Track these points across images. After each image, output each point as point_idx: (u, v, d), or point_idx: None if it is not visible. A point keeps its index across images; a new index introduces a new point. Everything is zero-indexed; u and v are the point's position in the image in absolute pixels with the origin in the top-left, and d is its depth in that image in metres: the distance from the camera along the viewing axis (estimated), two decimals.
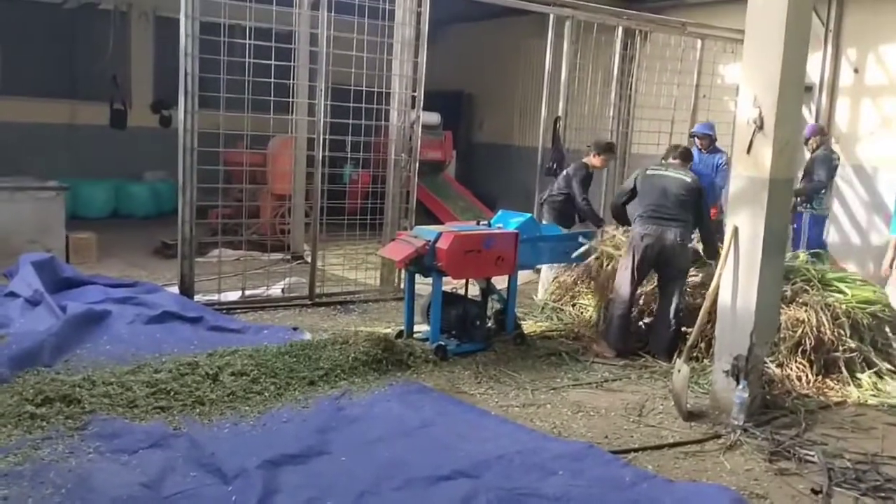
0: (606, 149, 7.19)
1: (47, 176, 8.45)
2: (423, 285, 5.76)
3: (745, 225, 4.66)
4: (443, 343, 5.38)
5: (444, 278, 5.47)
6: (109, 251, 8.45)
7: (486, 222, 5.90)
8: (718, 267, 4.80)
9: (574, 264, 6.57)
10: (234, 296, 6.66)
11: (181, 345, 5.25)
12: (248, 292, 6.76)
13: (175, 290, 6.48)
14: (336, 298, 7.04)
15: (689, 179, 5.63)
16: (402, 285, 7.26)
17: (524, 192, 9.80)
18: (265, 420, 4.11)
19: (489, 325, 5.81)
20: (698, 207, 5.68)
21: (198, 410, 4.15)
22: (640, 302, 6.08)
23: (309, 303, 6.83)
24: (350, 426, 4.09)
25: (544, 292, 7.03)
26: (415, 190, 7.55)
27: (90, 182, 10.80)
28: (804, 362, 5.20)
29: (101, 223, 10.04)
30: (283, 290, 6.98)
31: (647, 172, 5.78)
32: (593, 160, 7.12)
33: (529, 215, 5.99)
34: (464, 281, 5.99)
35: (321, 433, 3.94)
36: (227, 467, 3.45)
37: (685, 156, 5.93)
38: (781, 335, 5.25)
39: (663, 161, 5.95)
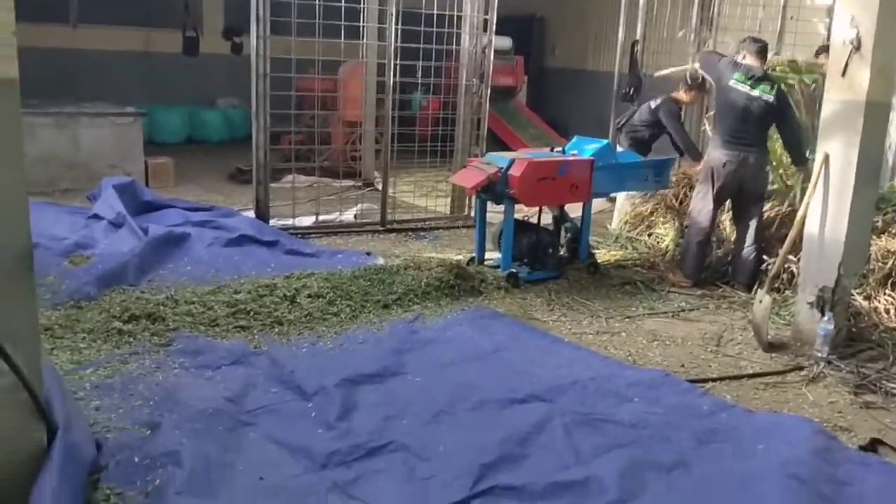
0: (698, 85, 6.79)
1: (124, 102, 8.63)
2: (495, 213, 5.71)
3: (836, 151, 4.42)
4: (514, 270, 5.34)
5: (517, 206, 5.40)
6: (186, 176, 8.63)
7: (560, 149, 5.76)
8: (807, 195, 4.59)
9: (651, 193, 6.39)
10: (308, 221, 6.75)
11: (259, 267, 5.36)
12: (321, 218, 6.83)
13: (251, 214, 6.58)
14: (407, 225, 7.05)
15: (772, 99, 5.27)
16: (472, 213, 7.24)
17: (597, 118, 9.57)
18: (342, 341, 4.18)
19: (562, 253, 5.74)
20: (784, 120, 5.44)
21: (276, 330, 4.25)
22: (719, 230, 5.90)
23: (381, 229, 6.86)
24: (424, 349, 4.13)
25: (619, 221, 6.89)
26: (486, 116, 7.43)
27: (165, 108, 11.00)
28: (894, 295, 4.98)
29: (177, 149, 10.23)
30: (355, 217, 7.02)
31: (730, 84, 5.39)
32: (682, 95, 6.78)
33: (606, 141, 5.81)
34: (536, 208, 5.91)
35: (396, 355, 3.99)
36: (306, 384, 3.54)
37: (763, 52, 5.48)
38: (871, 266, 5.03)
39: (737, 57, 5.54)
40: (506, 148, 9.76)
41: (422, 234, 6.90)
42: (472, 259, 5.65)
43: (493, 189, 5.22)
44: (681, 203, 6.22)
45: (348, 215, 7.05)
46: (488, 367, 3.95)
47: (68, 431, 2.48)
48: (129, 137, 8.13)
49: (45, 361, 3.06)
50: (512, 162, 5.18)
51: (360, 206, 7.19)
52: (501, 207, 5.42)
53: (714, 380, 4.03)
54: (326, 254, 5.86)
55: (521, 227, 5.54)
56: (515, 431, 3.22)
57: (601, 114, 8.74)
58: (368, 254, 5.90)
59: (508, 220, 5.32)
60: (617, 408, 3.55)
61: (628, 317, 4.93)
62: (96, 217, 6.14)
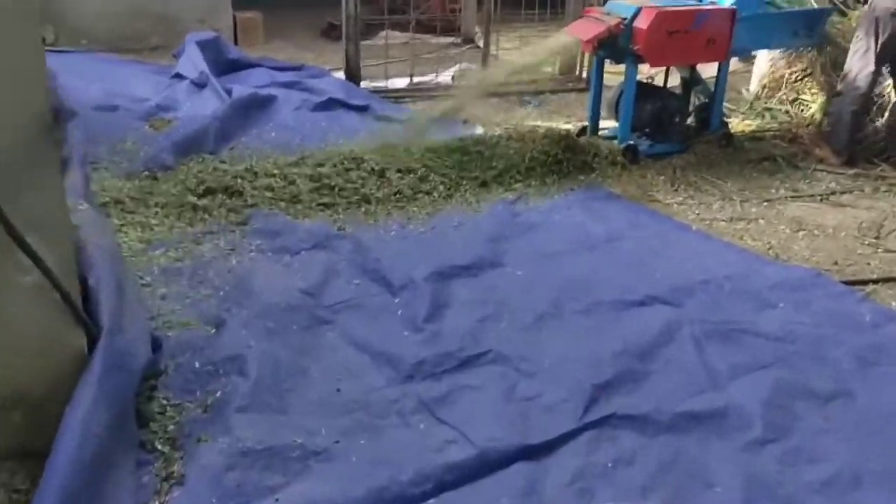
0: None
1: None
2: (611, 76, 4.97)
3: None
4: (633, 143, 4.65)
5: (640, 66, 4.63)
6: (277, 32, 8.11)
7: None
8: None
9: (799, 51, 5.44)
10: (401, 83, 6.16)
11: (347, 134, 4.89)
12: (416, 79, 6.21)
13: (341, 75, 6.06)
14: (509, 88, 6.35)
15: None
16: (585, 74, 6.47)
17: None
18: (434, 223, 3.72)
19: (689, 122, 4.97)
20: None
21: (363, 209, 3.81)
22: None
23: None
24: (526, 235, 3.61)
25: (757, 85, 5.97)
26: None
27: None
28: None
29: (269, 1, 9.66)
30: (453, 78, 6.37)
31: None
32: None
33: None
34: (660, 69, 5.11)
35: (494, 242, 3.50)
36: (393, 276, 3.11)
37: None
38: None
39: None
40: None
41: (526, 98, 6.19)
42: (583, 129, 4.98)
43: (614, 44, 4.46)
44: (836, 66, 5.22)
45: (445, 77, 6.41)
46: (601, 259, 3.41)
47: (115, 335, 2.14)
48: None
49: (109, 242, 2.75)
50: (638, 11, 4.37)
51: (458, 66, 6.51)
52: (620, 68, 4.69)
53: (875, 281, 3.36)
54: None
55: (645, 90, 4.77)
56: (635, 342, 2.73)
57: None
58: (465, 122, 5.30)
59: (630, 82, 4.57)
60: (757, 315, 2.98)
61: (767, 200, 4.23)
62: (179, 77, 5.76)
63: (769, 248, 3.66)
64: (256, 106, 5.18)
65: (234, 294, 2.90)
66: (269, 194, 3.85)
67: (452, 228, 3.67)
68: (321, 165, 4.18)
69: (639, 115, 4.71)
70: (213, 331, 2.63)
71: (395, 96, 5.96)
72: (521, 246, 3.49)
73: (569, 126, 5.29)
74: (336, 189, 3.94)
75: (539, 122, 5.46)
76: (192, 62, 5.78)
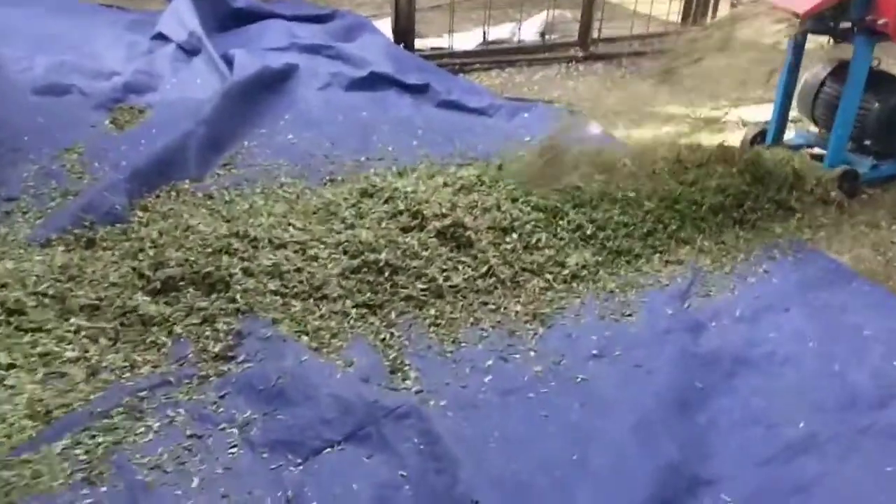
0: None
1: None
2: None
3: None
4: (851, 166, 2.95)
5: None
6: None
7: None
8: None
9: None
10: (470, 42, 4.44)
11: (398, 134, 3.39)
12: (490, 33, 4.47)
13: (386, 26, 4.37)
14: (618, 48, 4.59)
15: None
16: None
17: None
18: (555, 349, 2.13)
19: None
20: None
21: (432, 314, 2.24)
22: None
23: (580, 55, 4.45)
24: (728, 384, 2.01)
25: None
26: None
27: None
28: None
29: None
30: (541, 35, 4.60)
31: None
32: None
33: None
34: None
35: (678, 411, 1.90)
36: None
37: None
38: None
39: None
40: None
41: (644, 62, 4.44)
42: (759, 134, 3.27)
43: (841, 15, 2.72)
44: None
45: (530, 31, 4.63)
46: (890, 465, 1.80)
47: None
48: None
49: None
50: None
51: (548, 13, 4.72)
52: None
53: None
54: (504, 109, 3.64)
55: (871, 81, 3.00)
56: None
57: None
58: (571, 111, 3.61)
59: (858, 72, 2.83)
60: None
61: None
62: (162, 38, 4.11)
63: None
64: (266, 87, 3.60)
65: None
66: (272, 286, 2.27)
67: (591, 364, 2.08)
68: (362, 218, 2.57)
69: (860, 119, 2.98)
70: None
71: (461, 63, 4.25)
72: (729, 410, 1.89)
73: (720, 112, 3.63)
74: (385, 272, 2.34)
75: (675, 107, 3.77)
76: (179, 17, 4.13)
